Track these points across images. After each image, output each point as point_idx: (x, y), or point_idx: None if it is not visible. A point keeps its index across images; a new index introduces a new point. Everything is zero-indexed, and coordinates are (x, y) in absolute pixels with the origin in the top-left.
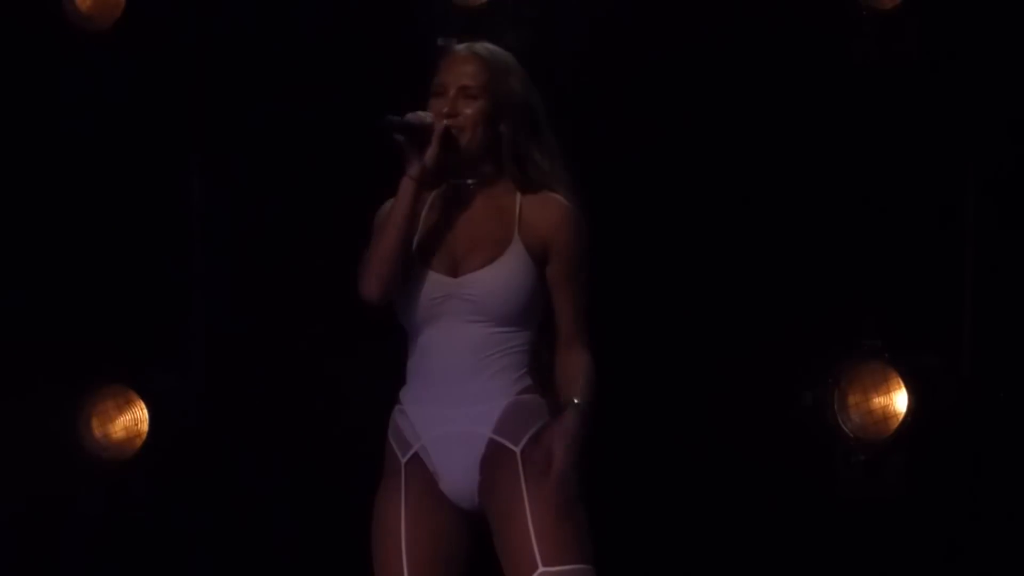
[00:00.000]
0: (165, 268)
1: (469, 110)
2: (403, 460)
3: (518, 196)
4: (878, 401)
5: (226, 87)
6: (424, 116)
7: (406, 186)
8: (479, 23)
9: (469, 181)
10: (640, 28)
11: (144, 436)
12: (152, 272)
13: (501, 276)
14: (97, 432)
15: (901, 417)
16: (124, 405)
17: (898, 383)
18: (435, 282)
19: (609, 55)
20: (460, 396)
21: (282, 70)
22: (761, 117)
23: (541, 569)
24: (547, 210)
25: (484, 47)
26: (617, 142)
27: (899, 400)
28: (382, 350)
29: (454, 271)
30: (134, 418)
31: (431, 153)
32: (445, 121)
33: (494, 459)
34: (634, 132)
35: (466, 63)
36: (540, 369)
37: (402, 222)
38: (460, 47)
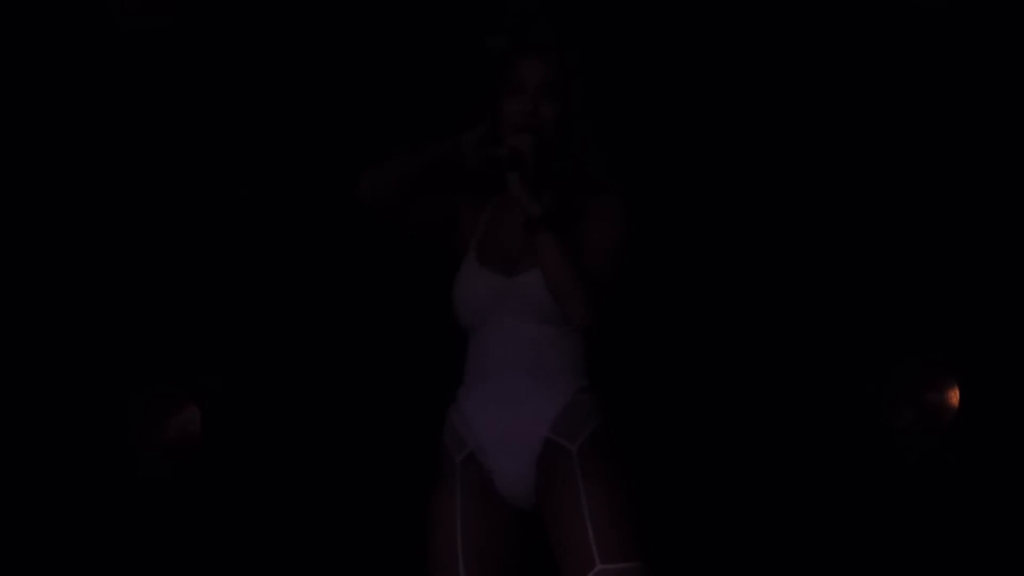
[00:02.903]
0: (216, 271)
1: (550, 112)
2: (458, 460)
3: (577, 196)
4: (932, 397)
5: (275, 91)
6: (519, 145)
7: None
8: (527, 23)
9: None
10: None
11: (196, 438)
12: (203, 275)
13: None
14: (149, 434)
15: (954, 413)
16: (176, 407)
17: (952, 380)
18: (490, 280)
19: (660, 51)
20: (516, 395)
21: (339, 70)
22: (818, 115)
23: (599, 567)
24: (605, 210)
25: (557, 39)
26: (682, 136)
27: (953, 397)
28: (438, 349)
29: (509, 271)
30: (186, 420)
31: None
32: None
33: (550, 458)
34: (700, 127)
35: (545, 58)
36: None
37: (439, 153)
38: (535, 38)
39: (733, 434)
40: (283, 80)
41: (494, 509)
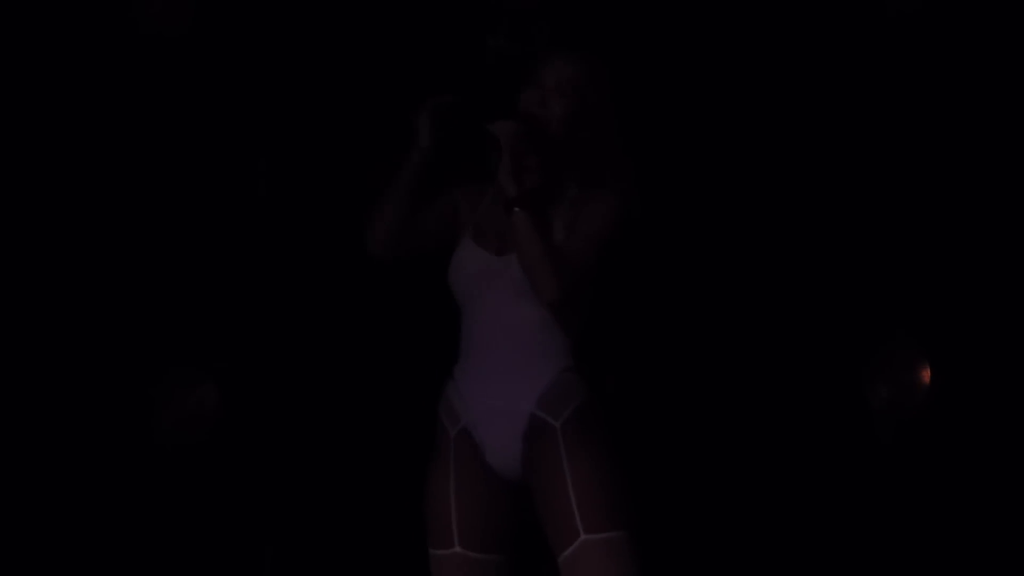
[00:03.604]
0: (233, 257)
1: (557, 109)
2: (452, 435)
3: (573, 190)
4: (905, 377)
5: (293, 91)
6: (498, 130)
7: (416, 158)
8: (528, 24)
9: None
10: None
11: (213, 418)
12: (220, 260)
13: None
14: (166, 414)
15: (927, 392)
16: (193, 384)
17: (924, 360)
18: (480, 257)
19: (660, 56)
20: (503, 372)
21: (349, 74)
22: (789, 109)
23: (583, 537)
24: (595, 203)
25: (587, 56)
26: (660, 128)
27: (925, 376)
28: (443, 328)
29: (500, 250)
30: (203, 400)
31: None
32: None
33: (536, 434)
34: (677, 118)
35: (568, 61)
36: (583, 347)
37: (406, 176)
38: (566, 54)
39: (715, 414)
40: (297, 82)
41: (487, 482)
